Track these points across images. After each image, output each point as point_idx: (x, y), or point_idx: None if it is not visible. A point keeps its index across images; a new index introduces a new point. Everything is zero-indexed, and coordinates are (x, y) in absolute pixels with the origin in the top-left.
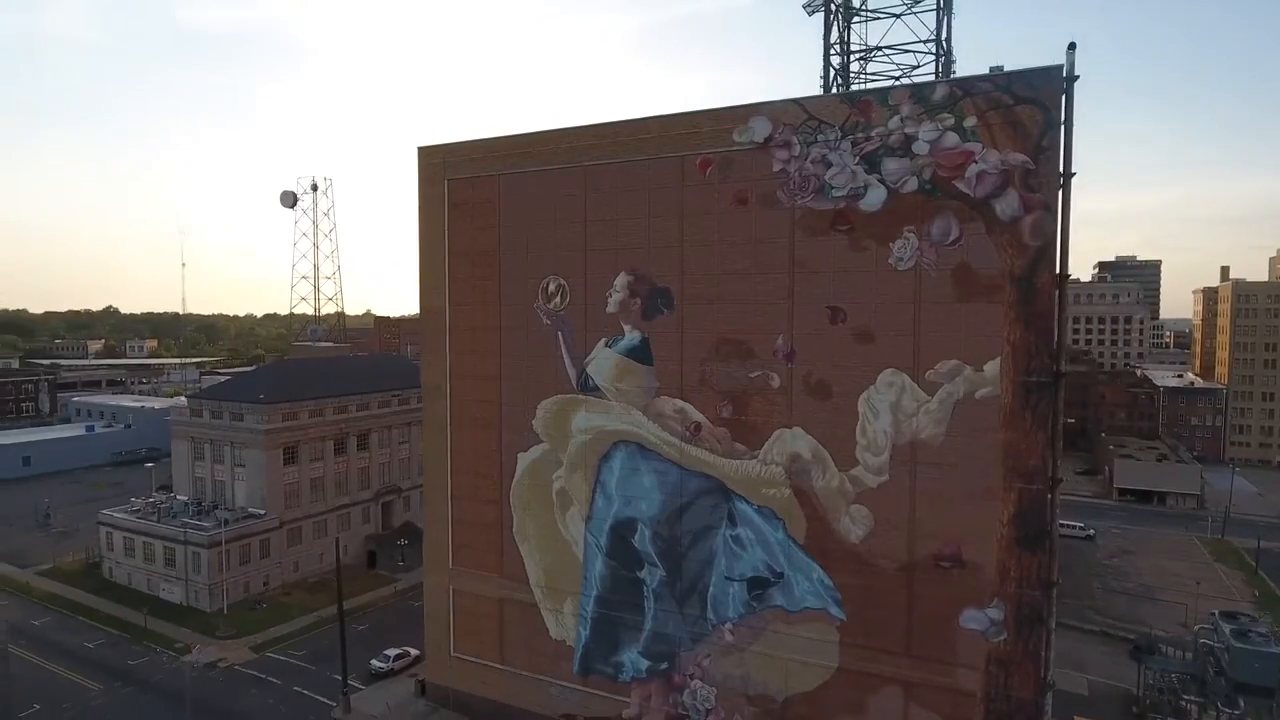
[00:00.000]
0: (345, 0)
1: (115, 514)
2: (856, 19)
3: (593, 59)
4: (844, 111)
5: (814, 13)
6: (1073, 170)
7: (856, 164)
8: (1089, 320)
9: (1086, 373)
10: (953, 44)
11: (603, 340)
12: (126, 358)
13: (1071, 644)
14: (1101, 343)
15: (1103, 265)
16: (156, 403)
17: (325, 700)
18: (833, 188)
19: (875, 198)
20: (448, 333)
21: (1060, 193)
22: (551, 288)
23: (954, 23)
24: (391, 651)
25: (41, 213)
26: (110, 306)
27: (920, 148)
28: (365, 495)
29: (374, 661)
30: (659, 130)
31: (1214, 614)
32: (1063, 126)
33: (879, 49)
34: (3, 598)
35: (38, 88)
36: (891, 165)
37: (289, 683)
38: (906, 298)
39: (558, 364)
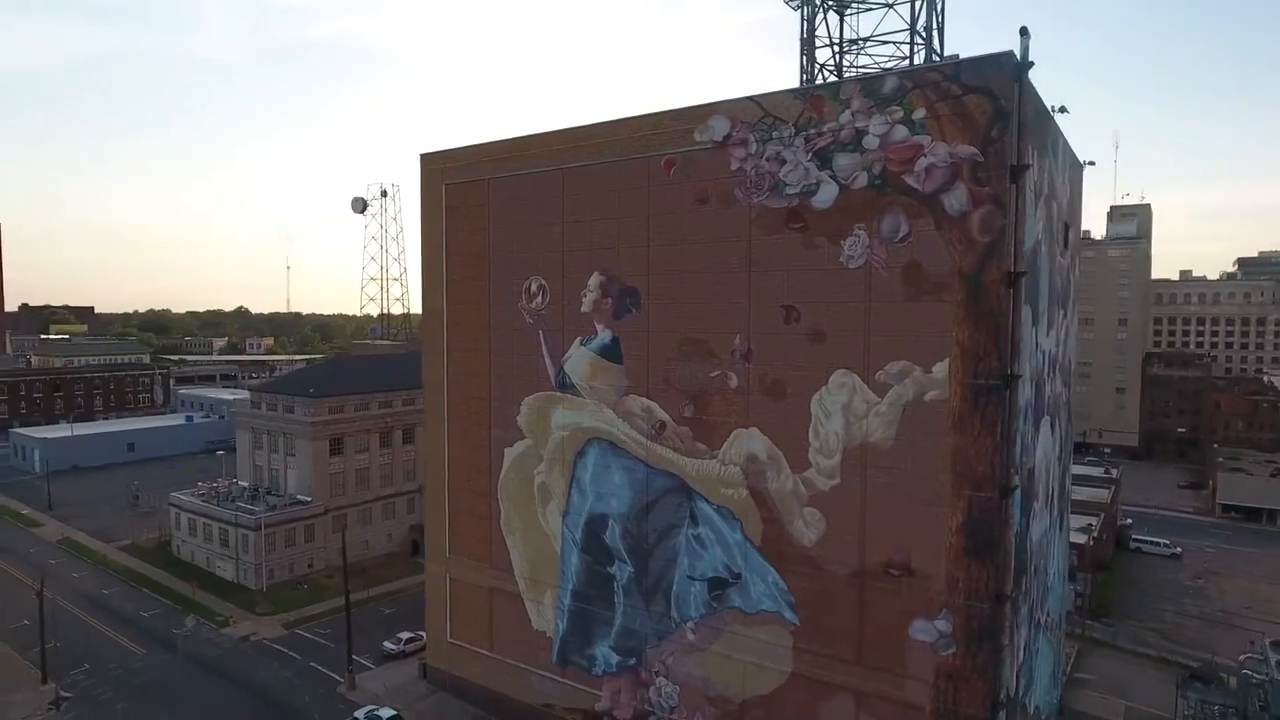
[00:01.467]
0: (435, 12)
1: (183, 496)
2: (849, 11)
3: (685, 55)
4: (798, 108)
5: (799, 7)
6: (1026, 162)
7: (809, 160)
8: (1215, 321)
9: (1199, 378)
10: (944, 35)
11: (578, 339)
12: (245, 354)
13: (1119, 667)
14: (1229, 345)
15: (1243, 262)
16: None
17: (336, 677)
18: (787, 185)
19: (827, 195)
20: (444, 331)
21: (1012, 186)
22: (533, 288)
23: (947, 13)
24: (404, 634)
25: (180, 220)
26: (241, 307)
27: (870, 142)
28: (410, 486)
29: (386, 644)
30: (628, 132)
31: (1265, 641)
32: (1014, 116)
33: (857, 42)
34: (84, 567)
35: (177, 105)
36: (843, 161)
37: (307, 658)
38: (858, 297)
39: (540, 362)
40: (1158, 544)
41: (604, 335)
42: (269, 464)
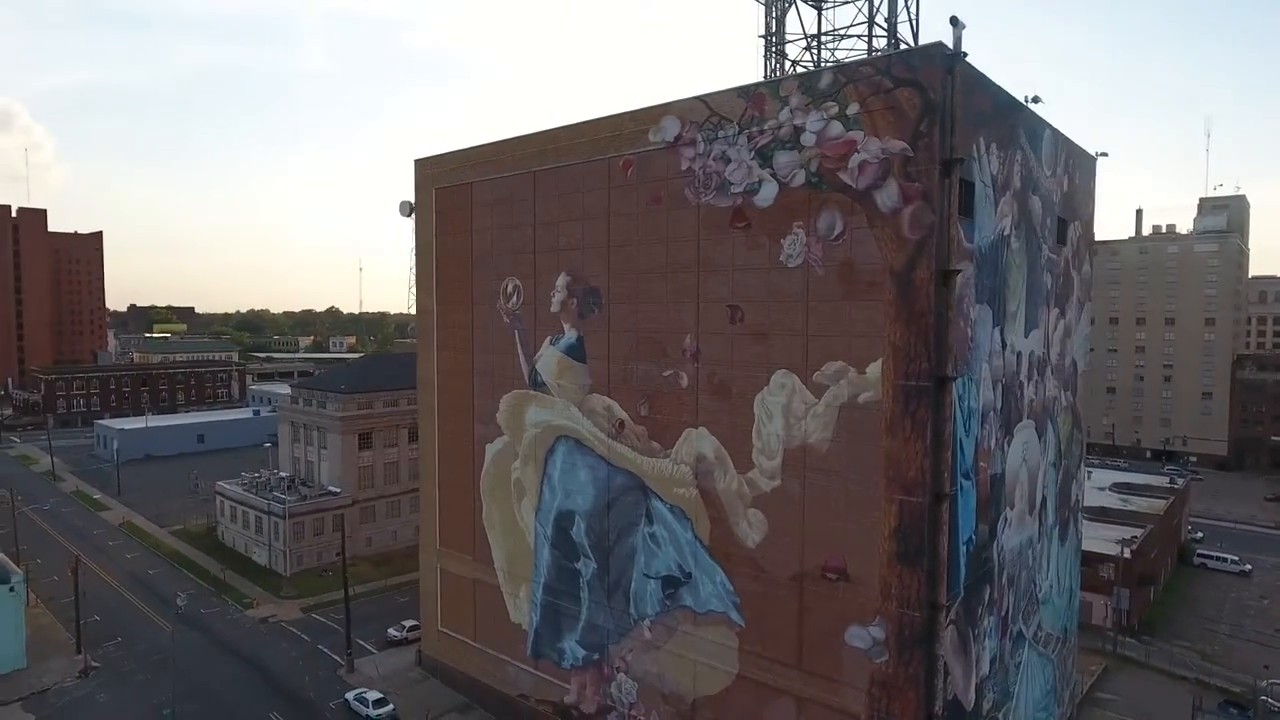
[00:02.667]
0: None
1: (226, 485)
2: (827, 5)
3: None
4: (741, 106)
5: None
6: (957, 155)
7: (752, 159)
8: None
9: None
10: (918, 27)
11: (548, 338)
12: (328, 352)
13: (1148, 688)
14: None
15: None
16: None
17: (340, 660)
18: (731, 184)
19: (768, 193)
20: (434, 330)
21: (944, 181)
22: (509, 289)
23: (920, 7)
24: (408, 622)
25: (282, 223)
26: (332, 307)
27: (808, 139)
28: None
29: (391, 630)
30: (591, 134)
31: None
32: (945, 109)
33: (819, 36)
34: (137, 549)
35: (278, 114)
36: (782, 159)
37: (317, 641)
38: (796, 296)
39: (516, 361)
40: (1225, 560)
41: (570, 335)
42: (305, 456)
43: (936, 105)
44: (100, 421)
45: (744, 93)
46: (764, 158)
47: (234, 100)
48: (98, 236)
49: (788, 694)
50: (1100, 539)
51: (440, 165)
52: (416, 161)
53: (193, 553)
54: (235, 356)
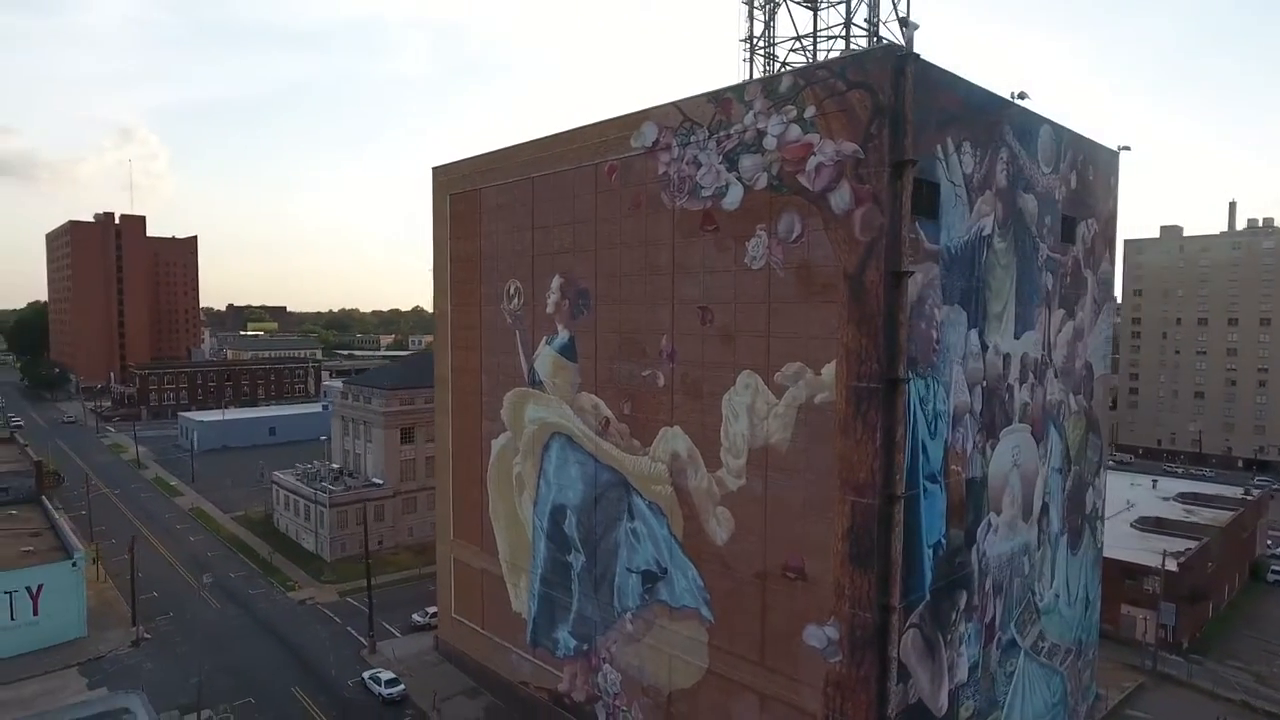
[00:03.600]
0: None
1: (281, 475)
2: (822, 5)
3: None
4: (710, 111)
5: (755, 2)
6: (909, 157)
7: (720, 163)
8: None
9: None
10: (909, 27)
11: (545, 338)
12: (408, 349)
13: (1184, 708)
14: None
15: None
16: None
17: (364, 642)
18: (702, 187)
19: (734, 196)
20: (449, 330)
21: (891, 182)
22: (512, 290)
23: (910, 7)
24: (431, 609)
25: (372, 224)
26: (417, 306)
27: (769, 142)
28: None
29: (415, 616)
30: (581, 140)
31: None
32: (900, 111)
33: (800, 38)
34: (201, 533)
35: (367, 119)
36: (746, 162)
37: (347, 623)
38: (760, 297)
39: (517, 359)
40: None
41: (563, 335)
42: (354, 449)
43: (886, 107)
44: (183, 414)
45: (713, 98)
46: (730, 161)
47: (332, 107)
48: (193, 241)
49: (752, 690)
50: (1150, 551)
51: (453, 172)
52: (434, 169)
53: (249, 537)
54: (319, 354)
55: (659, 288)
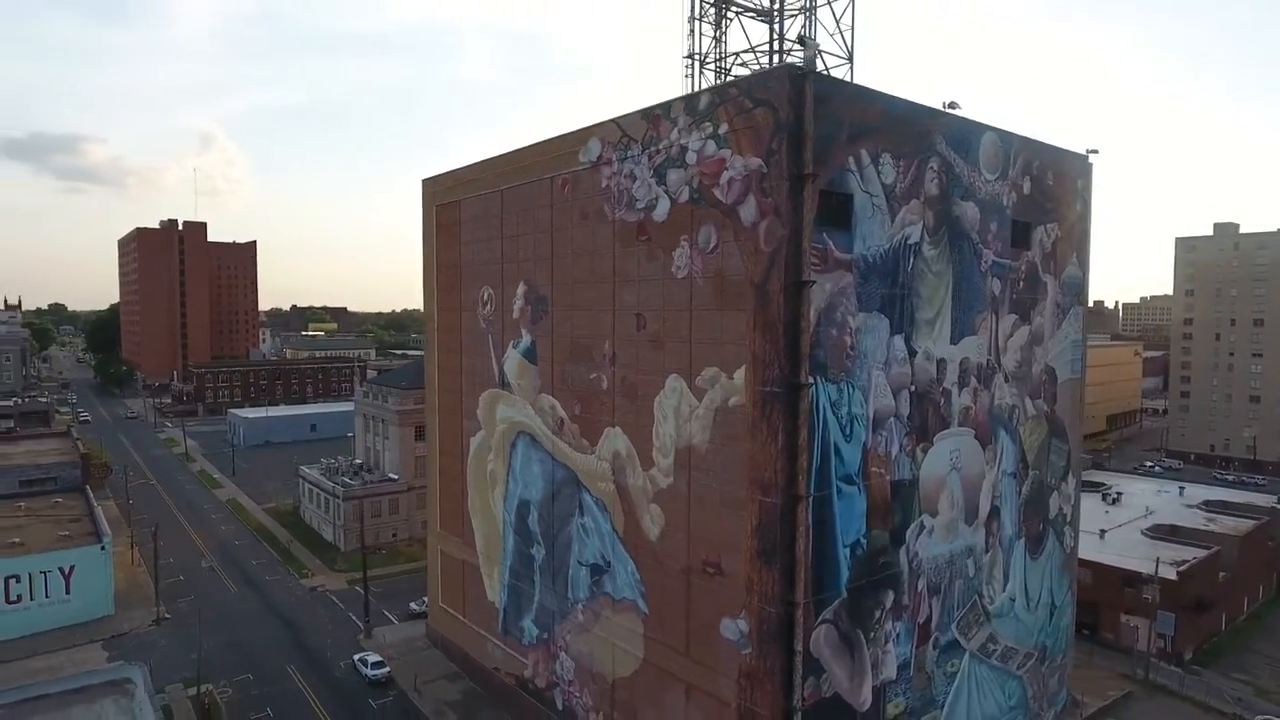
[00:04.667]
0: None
1: (306, 469)
2: (789, 16)
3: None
4: (643, 127)
5: (699, 20)
6: (810, 171)
7: (651, 177)
8: None
9: None
10: (853, 43)
11: (512, 342)
12: None
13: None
14: None
15: None
16: None
17: (362, 627)
18: (636, 200)
19: (663, 208)
20: (435, 334)
21: (792, 195)
22: (485, 296)
23: (855, 19)
24: (428, 598)
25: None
26: None
27: (691, 157)
28: None
29: (412, 604)
30: (540, 155)
31: None
32: (799, 127)
33: (751, 51)
34: (233, 522)
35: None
36: (672, 176)
37: (349, 609)
38: (684, 305)
39: (490, 362)
40: None
41: (526, 339)
42: (374, 445)
43: (785, 124)
44: (232, 411)
45: (645, 115)
46: (660, 175)
47: (402, 112)
48: (252, 245)
49: (680, 680)
50: (1156, 560)
51: (439, 184)
52: (423, 181)
53: (275, 528)
54: (372, 353)
55: (603, 295)
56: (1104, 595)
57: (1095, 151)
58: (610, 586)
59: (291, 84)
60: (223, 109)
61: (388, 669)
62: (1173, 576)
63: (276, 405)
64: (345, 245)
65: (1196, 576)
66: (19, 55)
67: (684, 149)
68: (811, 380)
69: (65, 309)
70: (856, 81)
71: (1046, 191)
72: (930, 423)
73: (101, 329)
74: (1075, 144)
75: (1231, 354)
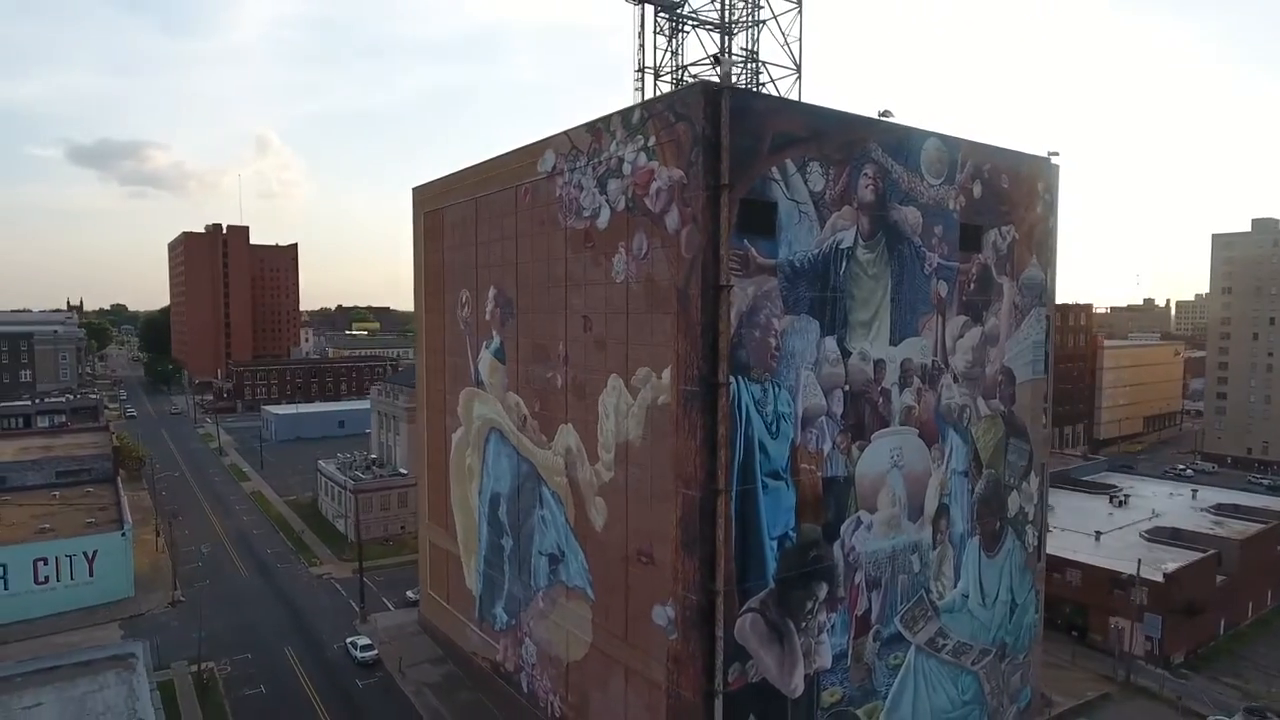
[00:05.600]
0: None
1: (324, 464)
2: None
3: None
4: (588, 140)
5: (662, 33)
6: (725, 182)
7: (595, 187)
8: None
9: None
10: (801, 56)
11: (485, 342)
12: None
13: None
14: None
15: None
16: None
17: (359, 613)
18: (584, 209)
19: (604, 217)
20: (424, 335)
21: (709, 205)
22: (463, 299)
23: (803, 30)
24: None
25: None
26: None
27: (626, 169)
28: None
29: (408, 592)
30: (507, 165)
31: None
32: (716, 140)
33: (687, 67)
34: (255, 513)
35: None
36: (612, 186)
37: (351, 596)
38: (622, 308)
39: (468, 361)
40: None
41: (496, 340)
42: (387, 441)
43: (702, 137)
44: (264, 407)
45: (590, 128)
46: (602, 185)
47: (450, 115)
48: (293, 248)
49: (620, 663)
50: (1148, 562)
51: (427, 192)
52: (413, 189)
53: (293, 518)
54: (410, 353)
55: (557, 299)
56: (1093, 597)
57: (1056, 154)
58: (564, 575)
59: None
60: (278, 114)
61: (376, 652)
62: (1159, 579)
63: (311, 402)
64: (392, 246)
65: (1186, 580)
66: (89, 66)
67: (621, 160)
68: (733, 380)
69: (125, 309)
70: (805, 91)
71: (1000, 195)
72: (867, 421)
73: (154, 329)
74: (1099, 139)
75: (1270, 354)
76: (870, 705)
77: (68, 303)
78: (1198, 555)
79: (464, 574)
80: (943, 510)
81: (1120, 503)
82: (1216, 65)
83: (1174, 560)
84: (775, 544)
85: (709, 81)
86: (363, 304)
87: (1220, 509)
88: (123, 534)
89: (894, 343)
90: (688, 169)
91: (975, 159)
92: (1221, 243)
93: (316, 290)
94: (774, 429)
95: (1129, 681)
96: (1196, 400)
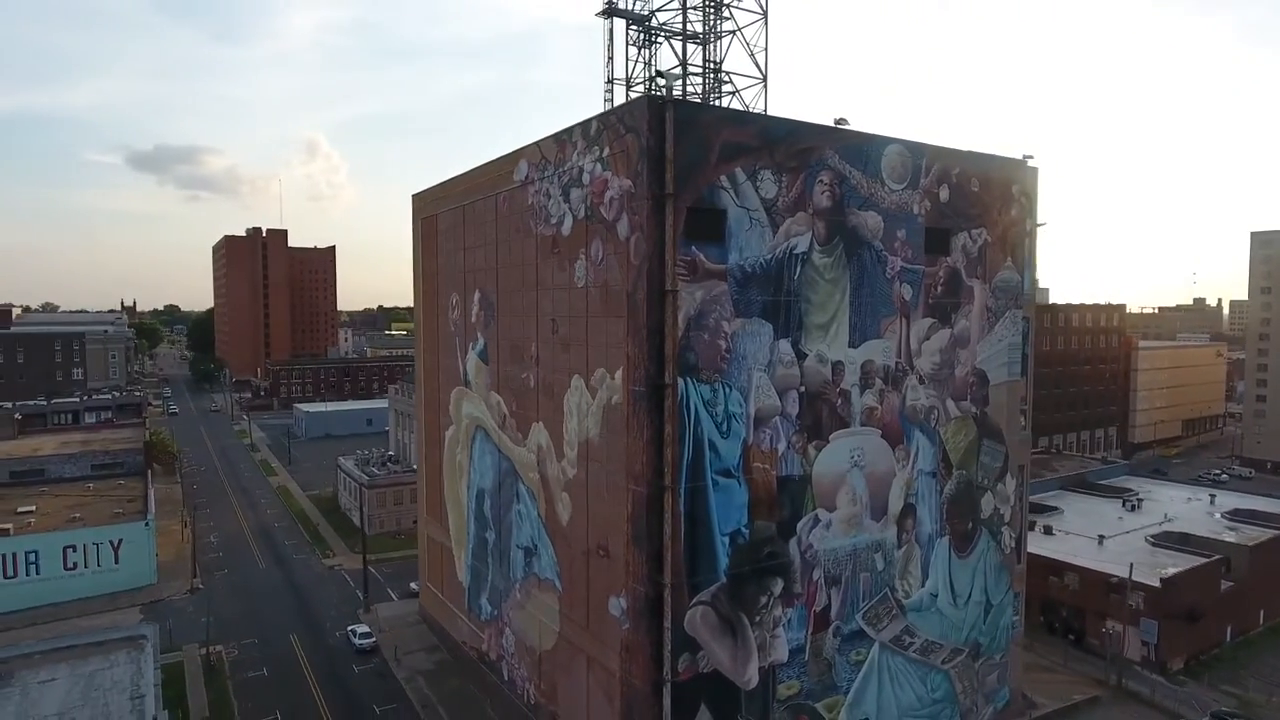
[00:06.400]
0: None
1: (343, 460)
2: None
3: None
4: (555, 150)
5: (629, 49)
6: (669, 191)
7: (560, 195)
8: None
9: None
10: (767, 67)
11: (471, 344)
12: None
13: None
14: None
15: None
16: None
17: (363, 603)
18: (551, 216)
19: (568, 224)
20: (421, 337)
21: (654, 213)
22: (454, 302)
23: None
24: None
25: None
26: None
27: (586, 179)
28: None
29: (412, 584)
30: (488, 174)
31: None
32: (661, 151)
33: (656, 77)
34: (278, 506)
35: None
36: (574, 195)
37: (359, 587)
38: (583, 312)
39: (457, 362)
40: None
41: (480, 341)
42: (403, 439)
43: (647, 149)
44: (297, 405)
45: (556, 139)
46: (566, 194)
47: (488, 116)
48: (331, 250)
49: (584, 653)
50: (1148, 566)
51: (424, 199)
52: (413, 196)
53: (313, 513)
54: None
55: (529, 302)
56: (1089, 601)
57: (1031, 156)
58: (537, 567)
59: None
60: (326, 118)
61: (374, 639)
62: (1155, 584)
63: (344, 400)
64: None
65: (1185, 585)
66: (146, 74)
67: (581, 170)
68: (681, 381)
69: (178, 310)
70: (771, 99)
71: (970, 198)
72: (825, 422)
73: (200, 329)
74: (1159, 137)
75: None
76: (831, 700)
77: (121, 304)
78: (1200, 560)
79: (455, 567)
80: (908, 510)
81: (1133, 507)
82: None
83: (1175, 565)
84: (727, 540)
85: (655, 95)
86: (403, 304)
87: (1236, 514)
88: (145, 524)
89: (854, 345)
90: (635, 179)
91: (942, 163)
92: (1260, 240)
93: (360, 290)
94: (725, 428)
95: (1120, 686)
96: (1241, 403)
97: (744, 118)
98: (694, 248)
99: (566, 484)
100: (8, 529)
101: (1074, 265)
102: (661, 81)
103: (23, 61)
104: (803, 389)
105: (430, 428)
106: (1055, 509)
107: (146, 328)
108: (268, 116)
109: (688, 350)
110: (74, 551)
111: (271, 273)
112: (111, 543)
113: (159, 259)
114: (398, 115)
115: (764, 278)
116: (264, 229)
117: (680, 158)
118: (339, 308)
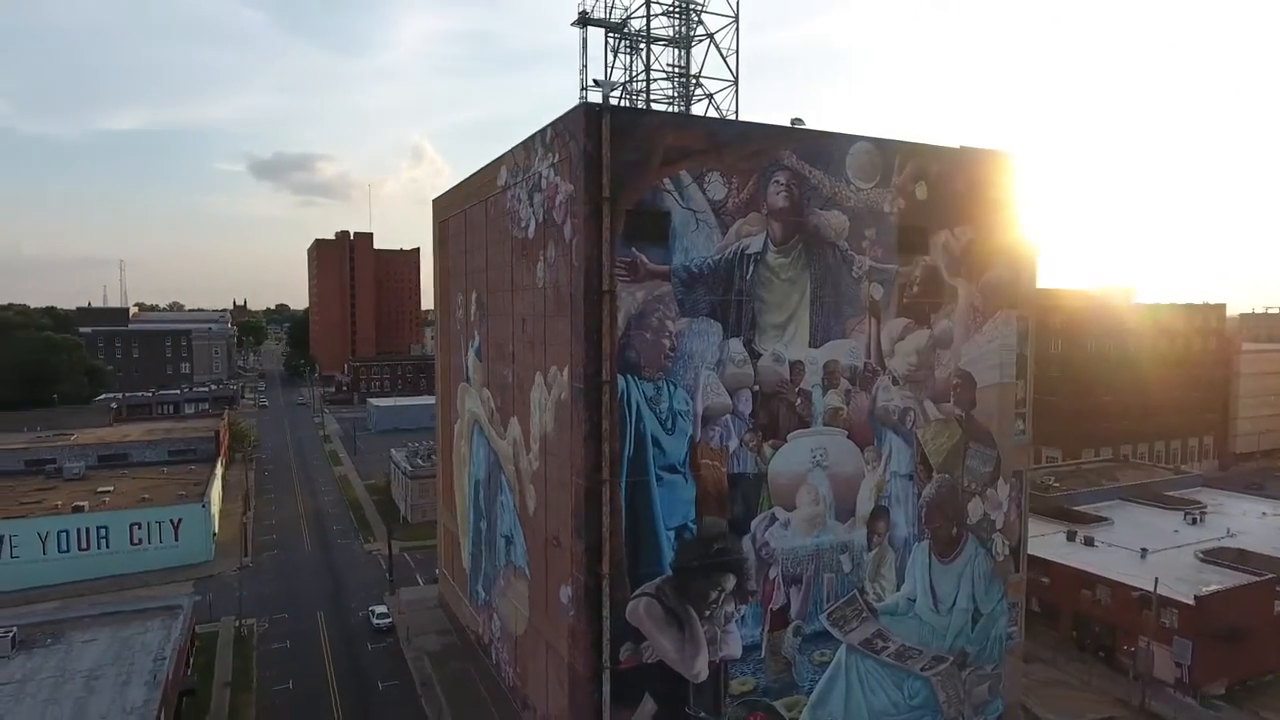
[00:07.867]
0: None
1: (394, 452)
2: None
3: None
4: (524, 158)
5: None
6: (606, 195)
7: (528, 200)
8: None
9: None
10: (738, 71)
11: (469, 343)
12: None
13: None
14: None
15: None
16: None
17: (389, 587)
18: (522, 220)
19: (532, 228)
20: (439, 335)
21: (592, 217)
22: (459, 302)
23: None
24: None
25: None
26: None
27: (543, 184)
28: None
29: (437, 570)
30: (481, 180)
31: None
32: (598, 156)
33: (630, 81)
34: (335, 494)
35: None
36: (536, 199)
37: (389, 571)
38: (542, 312)
39: (462, 359)
40: None
41: (477, 339)
42: None
43: (584, 154)
44: (369, 400)
45: (525, 146)
46: (531, 199)
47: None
48: (415, 252)
49: (544, 638)
50: (1196, 583)
51: (441, 203)
52: (433, 200)
53: (366, 501)
54: None
55: (508, 302)
56: (1121, 617)
57: (1015, 152)
58: (514, 555)
59: (488, 97)
60: (432, 124)
61: (390, 620)
62: (1189, 601)
63: (419, 396)
64: None
65: (1226, 604)
66: (266, 87)
67: (540, 176)
68: (622, 378)
69: (287, 308)
70: (740, 101)
71: (952, 195)
72: (783, 421)
73: (298, 327)
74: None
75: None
76: (791, 698)
77: (233, 302)
78: (1248, 579)
79: (461, 554)
80: (880, 512)
81: (1194, 520)
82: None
83: (1221, 582)
84: (673, 534)
85: (591, 103)
86: None
87: None
88: (202, 505)
89: (815, 344)
90: (576, 183)
91: (917, 160)
92: None
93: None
94: (669, 425)
95: (1143, 707)
96: None
97: (688, 121)
98: (634, 249)
99: (532, 476)
100: (84, 506)
101: (1169, 264)
102: (596, 89)
103: (174, 79)
104: (757, 388)
105: (445, 421)
106: (1104, 520)
107: (254, 325)
108: (378, 124)
109: (628, 349)
110: (139, 529)
111: (358, 274)
112: (172, 521)
113: (273, 260)
114: (500, 120)
115: (712, 278)
116: (351, 232)
117: (618, 162)
118: (424, 307)
